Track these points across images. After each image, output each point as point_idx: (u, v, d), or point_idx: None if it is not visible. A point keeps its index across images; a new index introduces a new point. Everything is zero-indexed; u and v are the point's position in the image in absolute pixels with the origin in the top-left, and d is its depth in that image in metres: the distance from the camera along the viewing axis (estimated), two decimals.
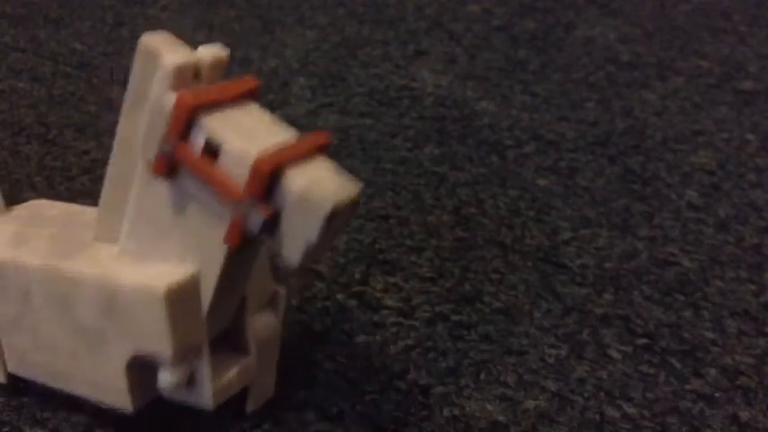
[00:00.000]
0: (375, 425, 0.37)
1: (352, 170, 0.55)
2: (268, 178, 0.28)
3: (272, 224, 0.29)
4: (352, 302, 0.44)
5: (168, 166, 0.30)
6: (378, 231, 0.49)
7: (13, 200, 0.50)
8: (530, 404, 0.39)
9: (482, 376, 0.40)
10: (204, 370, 0.32)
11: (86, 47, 0.68)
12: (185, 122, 0.30)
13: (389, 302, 0.44)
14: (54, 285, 0.32)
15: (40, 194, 0.51)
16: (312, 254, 0.29)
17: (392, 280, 0.46)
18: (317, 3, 0.81)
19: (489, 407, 0.38)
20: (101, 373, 0.33)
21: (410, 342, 0.42)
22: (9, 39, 0.69)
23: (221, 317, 0.33)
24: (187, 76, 0.30)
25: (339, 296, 0.44)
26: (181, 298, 0.30)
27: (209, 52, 0.31)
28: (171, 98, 0.30)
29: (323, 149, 0.30)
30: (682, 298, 0.45)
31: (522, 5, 0.82)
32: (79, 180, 0.53)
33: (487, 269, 0.47)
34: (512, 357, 0.41)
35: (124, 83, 0.62)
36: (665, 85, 0.68)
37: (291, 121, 0.60)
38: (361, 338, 0.42)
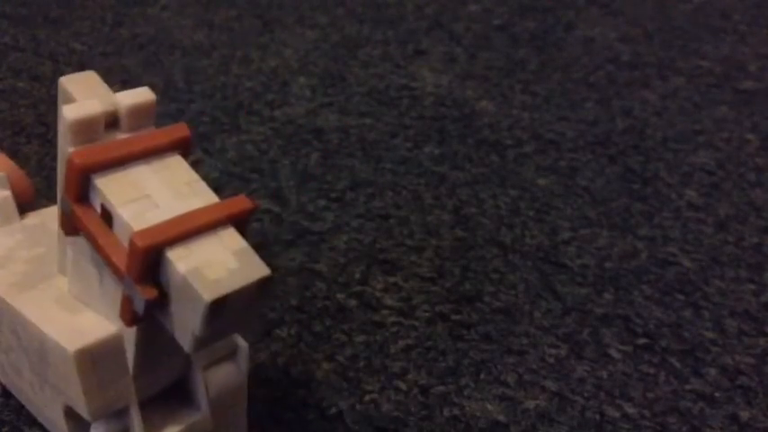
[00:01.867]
0: (375, 425, 0.37)
1: (352, 170, 0.55)
2: (146, 257, 0.25)
3: (163, 303, 0.26)
4: (352, 302, 0.44)
5: (71, 226, 0.28)
6: (378, 231, 0.49)
7: None
8: (530, 404, 0.39)
9: (482, 376, 0.40)
10: (136, 428, 0.30)
11: (86, 47, 0.68)
12: (79, 182, 0.27)
13: (389, 302, 0.44)
14: (10, 318, 0.32)
15: (40, 194, 0.51)
16: (208, 342, 0.26)
17: (392, 280, 0.46)
18: (316, 2, 0.81)
19: (489, 406, 0.38)
20: (49, 411, 0.33)
21: (410, 342, 0.42)
22: (9, 38, 0.69)
23: (159, 373, 0.31)
24: (92, 129, 0.27)
25: (339, 296, 0.44)
26: (95, 359, 0.29)
27: (130, 97, 0.28)
28: (69, 152, 0.27)
29: (239, 219, 0.27)
30: (682, 298, 0.45)
31: (523, 5, 0.82)
32: None
33: (487, 269, 0.47)
34: (512, 357, 0.41)
35: (124, 83, 0.62)
36: (666, 85, 0.68)
37: (291, 121, 0.60)
38: (360, 338, 0.42)
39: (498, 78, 0.68)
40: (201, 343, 0.25)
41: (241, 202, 0.27)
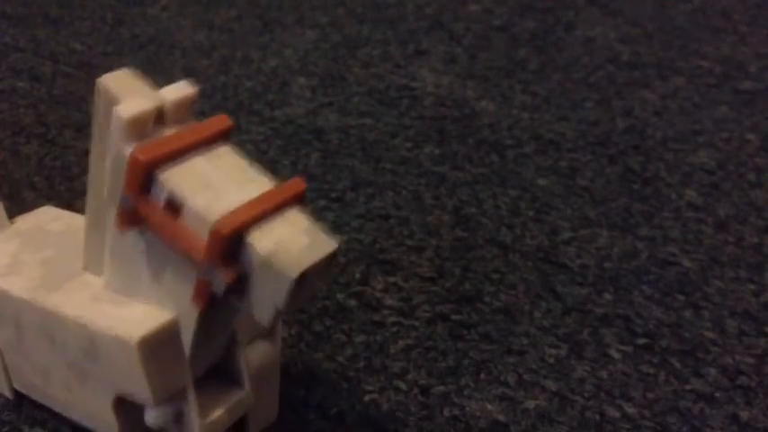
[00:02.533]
0: (375, 425, 0.37)
1: (352, 170, 0.55)
2: (228, 242, 0.27)
3: (240, 287, 0.27)
4: (352, 302, 0.44)
5: (131, 222, 0.29)
6: (378, 231, 0.49)
7: (12, 200, 0.50)
8: (530, 404, 0.39)
9: (482, 376, 0.40)
10: (191, 409, 0.31)
11: (86, 47, 0.68)
12: (142, 179, 0.28)
13: (389, 302, 0.44)
14: (41, 319, 0.32)
15: (40, 194, 0.51)
16: (287, 311, 0.27)
17: (392, 280, 0.46)
18: (316, 2, 0.81)
19: (489, 406, 0.38)
20: (91, 405, 0.33)
21: (410, 342, 0.42)
22: (9, 38, 0.69)
23: (208, 355, 0.32)
24: (145, 125, 0.29)
25: (339, 296, 0.44)
26: (156, 346, 0.29)
27: (173, 92, 0.29)
28: (127, 152, 0.28)
29: (298, 199, 0.29)
30: (682, 298, 0.45)
31: (523, 5, 0.82)
32: (79, 180, 0.53)
33: (487, 269, 0.47)
34: (512, 357, 0.41)
35: None
36: (666, 85, 0.68)
37: (291, 121, 0.60)
38: (360, 338, 0.42)
39: (498, 78, 0.68)
40: (285, 313, 0.27)
41: (297, 184, 0.29)
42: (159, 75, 0.64)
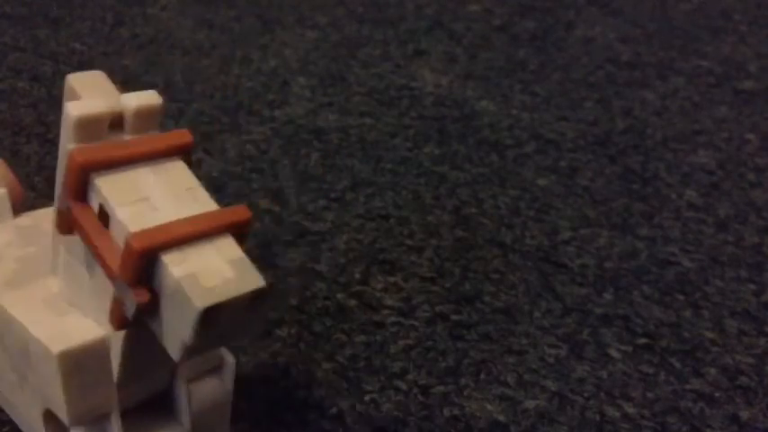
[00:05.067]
0: (375, 425, 0.37)
1: (352, 170, 0.55)
2: (140, 260, 0.25)
3: (153, 308, 0.25)
4: (352, 302, 0.44)
5: (67, 225, 0.28)
6: (378, 231, 0.49)
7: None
8: (530, 404, 0.39)
9: (482, 376, 0.40)
10: None
11: (86, 47, 0.68)
12: (78, 181, 0.26)
13: (389, 302, 0.44)
14: None
15: (40, 194, 0.51)
16: (197, 351, 0.25)
17: (392, 279, 0.46)
18: (316, 2, 0.81)
19: (489, 406, 0.38)
20: (28, 413, 0.32)
21: (410, 342, 0.42)
22: (9, 38, 0.69)
23: (144, 382, 0.31)
24: (96, 127, 0.27)
25: (339, 296, 0.44)
26: (79, 362, 0.28)
27: (137, 100, 0.28)
28: (70, 150, 0.27)
29: (237, 229, 0.26)
30: (682, 298, 0.45)
31: (522, 5, 0.82)
32: None
33: (487, 269, 0.47)
34: (512, 357, 0.41)
35: (124, 83, 0.62)
36: (665, 85, 0.68)
37: (291, 121, 0.60)
38: (360, 338, 0.42)
39: (498, 78, 0.68)
40: (190, 352, 0.25)
41: (240, 212, 0.27)
42: (159, 75, 0.64)
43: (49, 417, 0.31)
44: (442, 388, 0.39)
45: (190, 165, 0.29)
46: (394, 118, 0.62)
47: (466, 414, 0.38)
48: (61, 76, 0.64)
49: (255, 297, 0.25)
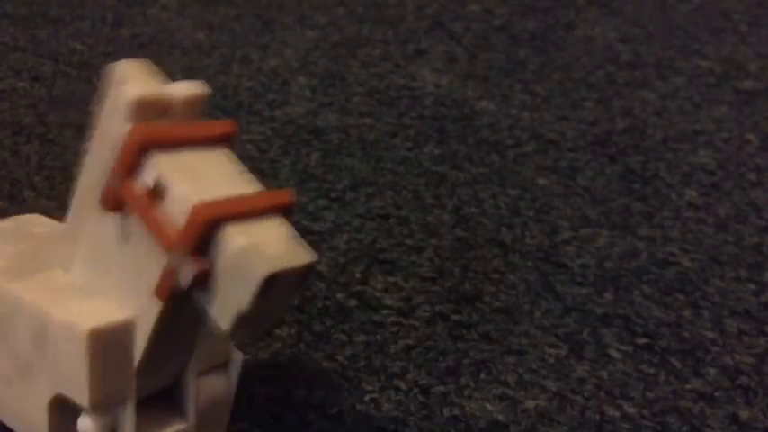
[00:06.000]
0: (375, 424, 0.37)
1: (352, 170, 0.55)
2: (203, 230, 0.26)
3: (206, 281, 0.26)
4: (352, 302, 0.44)
5: (115, 202, 0.28)
6: (378, 231, 0.49)
7: (13, 200, 0.50)
8: (530, 404, 0.39)
9: (482, 376, 0.40)
10: (127, 427, 0.30)
11: (86, 47, 0.68)
12: (135, 158, 0.27)
13: (389, 302, 0.44)
14: None
15: (40, 194, 0.51)
16: (247, 322, 0.26)
17: (392, 279, 0.46)
18: (316, 2, 0.81)
19: (489, 406, 0.38)
20: (26, 406, 0.31)
21: (410, 341, 0.42)
22: (9, 38, 0.69)
23: (160, 373, 0.31)
24: (151, 111, 0.28)
25: (339, 295, 0.44)
26: (106, 342, 0.28)
27: (183, 89, 0.29)
28: (126, 130, 0.28)
29: (283, 210, 0.28)
30: (682, 297, 0.45)
31: (523, 5, 0.82)
32: None
33: (487, 269, 0.47)
34: (512, 357, 0.41)
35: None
36: (665, 85, 0.68)
37: (291, 121, 0.60)
38: (360, 338, 0.42)
39: (498, 78, 0.68)
40: (241, 322, 0.26)
41: (287, 194, 0.28)
42: (159, 75, 0.64)
43: (57, 404, 0.30)
44: (441, 388, 0.39)
45: (234, 152, 0.30)
46: (394, 118, 0.62)
47: (466, 414, 0.38)
48: (61, 76, 0.64)
49: (307, 271, 0.26)
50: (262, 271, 0.25)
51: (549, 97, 0.65)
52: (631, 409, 0.38)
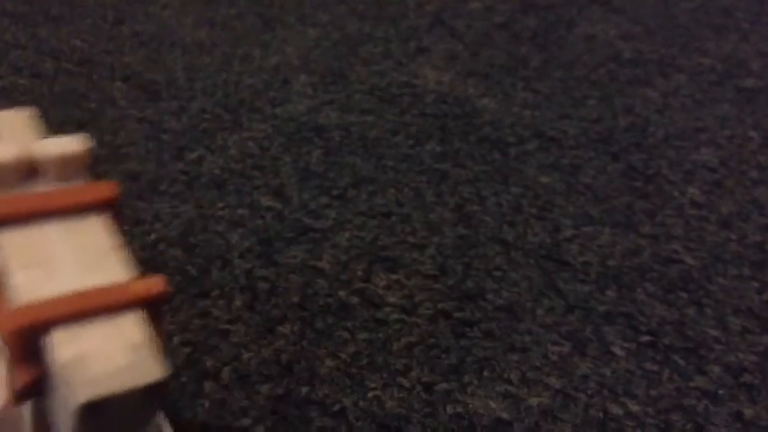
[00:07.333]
0: (378, 422, 0.37)
1: (353, 167, 0.55)
2: (21, 338, 0.22)
3: (42, 388, 0.22)
4: (355, 299, 0.44)
5: None
6: (380, 228, 0.49)
7: None
8: (533, 401, 0.38)
9: (485, 373, 0.40)
10: None
11: (87, 44, 0.68)
12: None
13: (392, 299, 0.44)
14: None
15: None
16: None
17: (394, 277, 0.46)
18: (318, 0, 0.80)
19: (492, 404, 0.38)
20: None
21: (413, 339, 0.42)
22: (10, 36, 0.69)
23: None
24: (6, 176, 0.25)
25: (341, 293, 0.44)
26: None
27: (59, 146, 0.25)
28: None
29: (150, 304, 0.23)
30: (685, 295, 0.45)
31: (524, 3, 0.82)
32: None
33: (490, 266, 0.47)
34: (515, 354, 0.41)
35: (125, 80, 0.62)
36: (667, 83, 0.68)
37: (293, 119, 0.60)
38: (363, 335, 0.42)
39: (500, 76, 0.68)
40: None
41: (154, 284, 0.23)
42: (160, 72, 0.64)
43: None
44: (445, 385, 0.39)
45: (120, 220, 0.26)
46: (395, 115, 0.61)
47: (469, 411, 0.38)
48: (62, 74, 0.64)
49: (150, 392, 0.21)
50: (80, 397, 0.21)
51: (551, 95, 0.65)
52: (635, 407, 0.38)
